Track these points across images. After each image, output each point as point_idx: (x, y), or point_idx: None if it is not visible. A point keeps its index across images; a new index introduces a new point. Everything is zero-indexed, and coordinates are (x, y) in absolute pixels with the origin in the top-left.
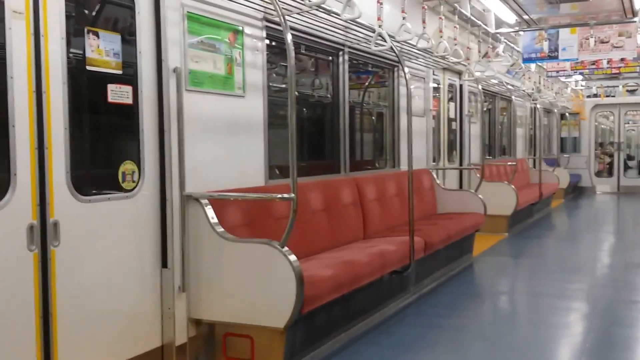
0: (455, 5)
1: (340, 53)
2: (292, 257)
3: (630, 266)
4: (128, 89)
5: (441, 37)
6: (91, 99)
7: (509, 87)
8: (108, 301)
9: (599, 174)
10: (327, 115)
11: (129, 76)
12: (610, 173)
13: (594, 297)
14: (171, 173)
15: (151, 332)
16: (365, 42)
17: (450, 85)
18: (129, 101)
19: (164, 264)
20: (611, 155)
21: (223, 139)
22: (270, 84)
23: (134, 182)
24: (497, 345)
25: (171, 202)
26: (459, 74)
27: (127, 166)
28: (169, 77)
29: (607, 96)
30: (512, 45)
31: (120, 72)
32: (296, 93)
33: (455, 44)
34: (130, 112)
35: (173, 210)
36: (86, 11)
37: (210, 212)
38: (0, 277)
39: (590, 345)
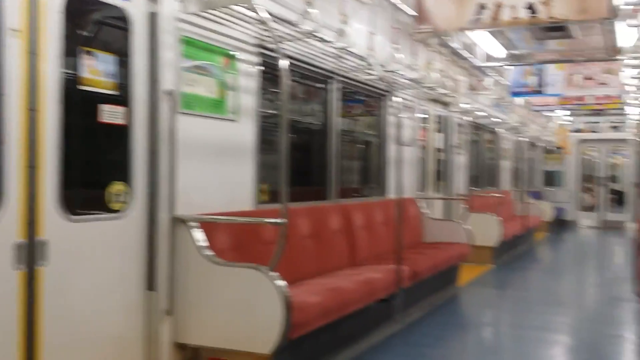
0: (445, 38)
1: (332, 81)
2: (280, 282)
3: (613, 300)
4: (121, 109)
5: (430, 68)
6: (84, 118)
7: (495, 119)
8: (93, 322)
9: (587, 208)
10: (316, 141)
11: (123, 97)
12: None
13: (579, 331)
14: (161, 195)
15: (136, 355)
16: (356, 71)
17: (438, 116)
18: (122, 122)
19: (150, 286)
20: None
21: (213, 162)
22: (261, 109)
23: (123, 203)
24: None
25: (160, 224)
26: (447, 105)
27: (117, 187)
28: (163, 99)
29: (591, 132)
30: (499, 78)
31: (114, 92)
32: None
33: (444, 76)
34: (122, 133)
35: (161, 232)
36: (82, 31)
37: (198, 235)
38: None
39: None
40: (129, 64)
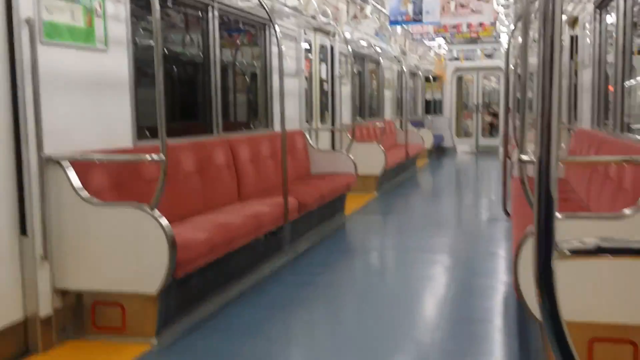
0: None
1: (210, 9)
2: (163, 221)
3: (489, 220)
4: None
5: None
6: None
7: (377, 49)
8: None
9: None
10: (198, 74)
11: None
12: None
13: (457, 250)
14: (27, 133)
15: (12, 305)
16: None
17: (322, 47)
18: None
19: (23, 231)
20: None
21: (85, 97)
22: (139, 40)
23: None
24: (368, 298)
25: (28, 164)
26: (330, 35)
27: None
28: (21, 28)
29: (466, 59)
30: (379, 7)
31: None
32: (165, 50)
33: (324, 4)
34: None
35: (31, 173)
36: None
37: (72, 175)
38: None
39: (452, 294)
40: None
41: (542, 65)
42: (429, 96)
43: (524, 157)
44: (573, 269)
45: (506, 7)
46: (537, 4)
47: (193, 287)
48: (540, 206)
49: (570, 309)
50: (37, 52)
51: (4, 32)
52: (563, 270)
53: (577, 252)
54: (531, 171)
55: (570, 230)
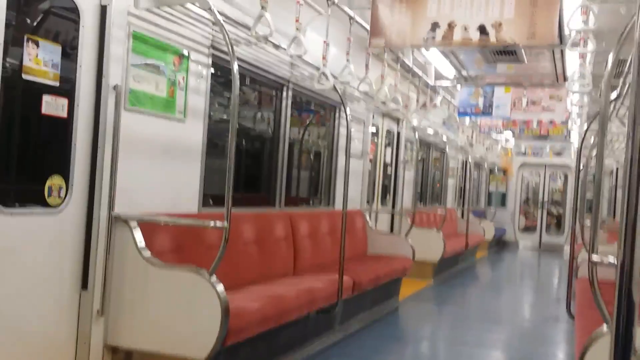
0: (399, 55)
1: (284, 88)
2: (220, 287)
3: (547, 319)
4: (64, 101)
5: (382, 83)
6: (24, 109)
7: (444, 138)
8: (21, 320)
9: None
10: (266, 148)
11: (67, 89)
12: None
13: (513, 348)
14: (101, 191)
15: (65, 356)
16: (309, 80)
17: (388, 131)
18: (64, 114)
19: (84, 285)
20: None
21: (159, 162)
22: (212, 113)
23: (60, 197)
24: None
25: (98, 221)
26: (398, 120)
27: (55, 181)
28: (109, 94)
29: (534, 155)
30: (449, 98)
31: (57, 83)
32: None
33: (395, 91)
34: (63, 126)
35: (99, 230)
36: (28, 19)
37: (138, 234)
38: None
39: None
40: (76, 56)
41: (628, 166)
42: (492, 188)
43: (596, 259)
44: None
45: (580, 106)
46: (613, 105)
47: (241, 357)
48: (620, 311)
49: None
50: (121, 117)
51: (92, 96)
52: None
53: None
54: (602, 273)
55: None
